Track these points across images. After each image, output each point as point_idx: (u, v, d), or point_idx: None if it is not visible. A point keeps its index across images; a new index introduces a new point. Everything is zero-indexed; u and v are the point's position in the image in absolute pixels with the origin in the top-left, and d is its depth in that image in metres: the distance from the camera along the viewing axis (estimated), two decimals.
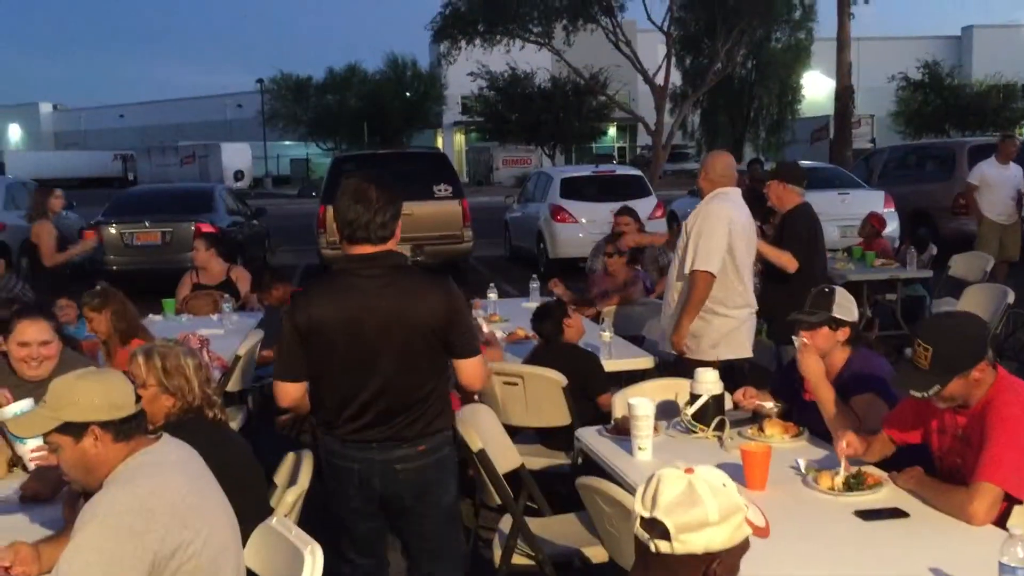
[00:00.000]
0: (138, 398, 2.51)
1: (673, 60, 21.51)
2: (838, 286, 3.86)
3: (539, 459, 4.66)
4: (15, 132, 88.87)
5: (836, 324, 3.69)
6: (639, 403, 3.48)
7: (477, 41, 19.09)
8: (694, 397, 3.73)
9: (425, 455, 3.11)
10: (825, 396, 3.50)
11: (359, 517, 3.20)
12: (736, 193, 5.10)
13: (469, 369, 3.16)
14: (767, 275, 5.84)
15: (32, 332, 3.82)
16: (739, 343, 5.08)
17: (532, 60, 23.82)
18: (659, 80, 19.58)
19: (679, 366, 4.99)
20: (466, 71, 25.51)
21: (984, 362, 2.92)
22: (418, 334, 3.04)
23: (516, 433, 4.76)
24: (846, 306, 3.73)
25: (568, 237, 13.42)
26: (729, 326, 5.01)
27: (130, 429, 2.44)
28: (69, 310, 6.22)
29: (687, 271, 4.93)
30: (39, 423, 2.42)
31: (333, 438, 3.16)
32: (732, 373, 4.69)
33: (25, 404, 3.31)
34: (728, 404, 3.86)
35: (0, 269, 6.92)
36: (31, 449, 3.34)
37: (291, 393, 3.11)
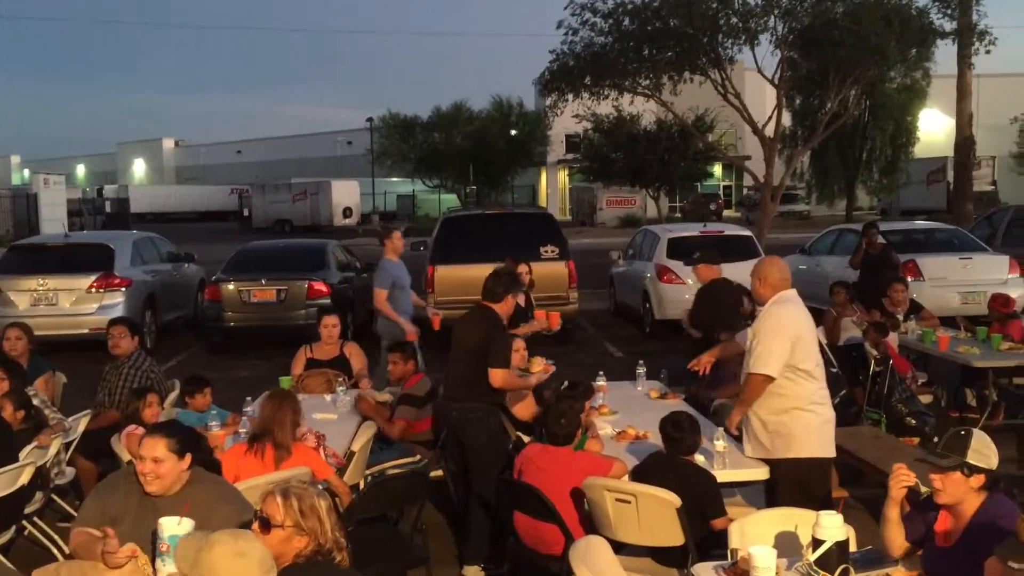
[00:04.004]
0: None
1: (783, 99, 21.06)
2: (976, 428, 3.68)
3: None
4: (139, 167, 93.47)
5: (971, 470, 3.52)
6: (761, 554, 3.39)
7: (584, 95, 19.14)
8: (817, 542, 3.60)
9: (462, 411, 5.72)
10: None
11: (454, 443, 5.90)
12: (794, 294, 5.29)
13: (492, 374, 5.60)
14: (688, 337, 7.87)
15: (147, 447, 3.80)
16: (826, 441, 5.20)
17: (638, 102, 23.74)
18: (768, 131, 19.23)
19: (776, 466, 5.14)
20: (571, 112, 25.59)
21: None
22: (474, 347, 5.70)
23: (625, 545, 4.71)
24: (983, 452, 3.54)
25: (674, 298, 13.25)
26: (814, 423, 5.15)
27: None
28: (209, 396, 6.42)
29: (746, 371, 5.20)
30: None
31: (445, 398, 6.01)
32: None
33: (185, 524, 3.37)
34: (852, 547, 3.72)
35: (134, 344, 7.11)
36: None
37: None
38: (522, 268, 7.99)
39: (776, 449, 5.14)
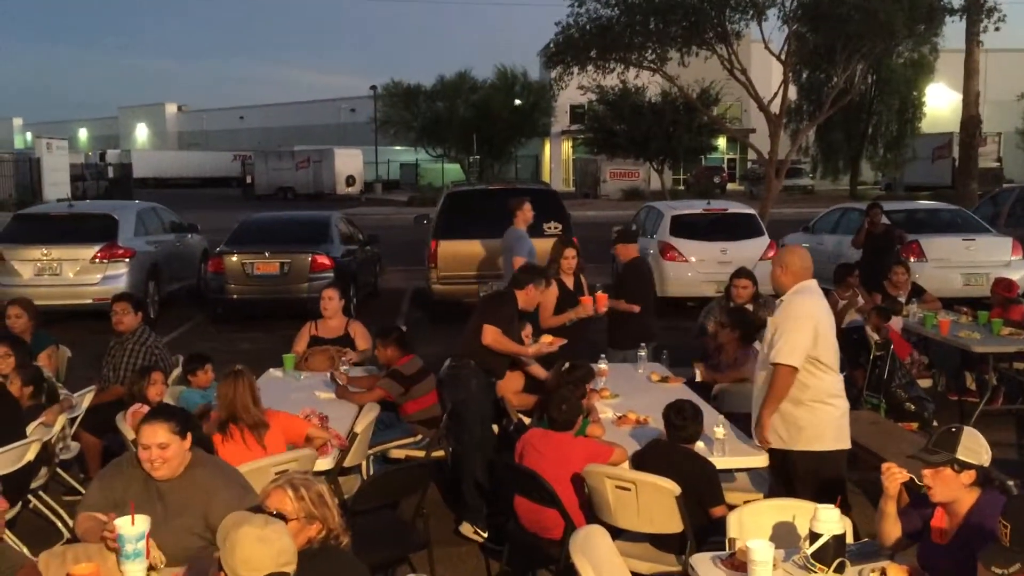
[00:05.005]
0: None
1: (789, 76, 20.93)
2: (967, 426, 3.70)
3: (647, 563, 4.64)
4: (142, 132, 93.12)
5: (960, 466, 3.53)
6: (759, 547, 3.43)
7: (590, 68, 18.99)
8: (814, 535, 3.64)
9: (450, 368, 6.21)
10: None
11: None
12: (815, 284, 5.23)
13: (485, 330, 6.00)
14: (612, 311, 7.83)
15: (148, 435, 3.79)
16: (842, 434, 5.20)
17: (643, 75, 23.54)
18: (774, 107, 19.11)
19: (792, 457, 5.15)
20: (576, 84, 25.44)
21: None
22: (481, 317, 6.11)
23: (624, 529, 4.76)
24: (973, 448, 3.54)
25: (677, 276, 13.27)
26: (833, 416, 5.15)
27: None
28: (211, 373, 6.40)
29: (770, 363, 5.10)
30: None
31: None
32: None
33: (142, 521, 3.43)
34: (849, 539, 3.76)
35: (138, 320, 7.12)
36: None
37: None
38: (569, 252, 7.79)
39: (793, 441, 5.13)
